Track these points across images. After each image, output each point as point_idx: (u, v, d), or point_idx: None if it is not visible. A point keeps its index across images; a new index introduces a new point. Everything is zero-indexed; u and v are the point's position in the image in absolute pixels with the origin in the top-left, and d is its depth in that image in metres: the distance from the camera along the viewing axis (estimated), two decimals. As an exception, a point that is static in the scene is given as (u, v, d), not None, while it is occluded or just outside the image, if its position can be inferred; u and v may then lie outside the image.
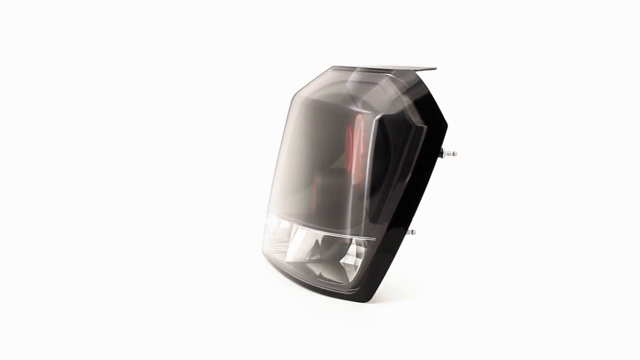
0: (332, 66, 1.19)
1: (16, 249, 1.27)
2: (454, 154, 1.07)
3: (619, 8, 1.74)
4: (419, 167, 1.02)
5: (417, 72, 1.05)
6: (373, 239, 1.04)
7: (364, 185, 1.05)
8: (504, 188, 1.67)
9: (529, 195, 1.64)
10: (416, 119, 1.02)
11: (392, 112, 1.03)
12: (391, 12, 1.79)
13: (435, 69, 1.12)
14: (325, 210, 1.10)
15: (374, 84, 1.06)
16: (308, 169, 1.13)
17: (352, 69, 1.12)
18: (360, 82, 1.09)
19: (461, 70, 1.74)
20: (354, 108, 1.07)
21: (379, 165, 1.04)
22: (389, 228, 1.03)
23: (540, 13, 1.77)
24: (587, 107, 1.77)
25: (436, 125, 1.02)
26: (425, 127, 1.02)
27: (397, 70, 1.05)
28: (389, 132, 1.03)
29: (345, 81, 1.12)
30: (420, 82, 1.04)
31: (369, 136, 1.04)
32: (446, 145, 1.06)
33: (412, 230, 1.07)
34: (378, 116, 1.04)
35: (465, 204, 1.61)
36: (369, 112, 1.05)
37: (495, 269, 1.24)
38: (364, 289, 1.05)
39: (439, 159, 1.05)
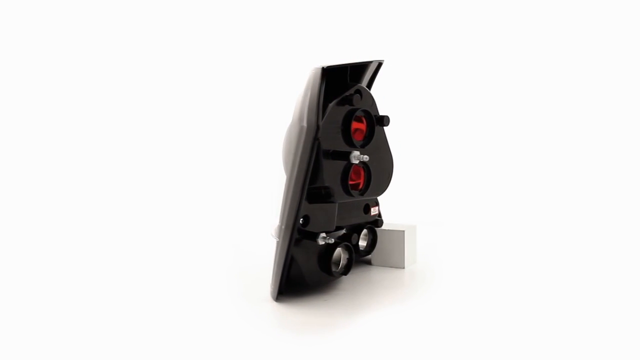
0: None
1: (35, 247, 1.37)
2: (364, 159, 1.03)
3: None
4: (299, 167, 0.98)
5: (324, 67, 1.00)
6: (277, 240, 1.03)
7: (280, 188, 1.04)
8: (456, 187, 1.67)
9: (480, 195, 1.63)
10: (307, 118, 0.99)
11: (298, 111, 1.03)
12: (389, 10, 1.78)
13: (382, 61, 1.09)
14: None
15: (309, 81, 1.04)
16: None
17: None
18: (306, 81, 1.06)
19: (459, 67, 1.74)
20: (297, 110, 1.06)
21: (287, 167, 1.04)
22: (283, 229, 1.00)
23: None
24: (548, 100, 1.77)
25: (310, 125, 0.98)
26: (305, 126, 0.99)
27: (318, 67, 1.02)
28: (293, 131, 1.03)
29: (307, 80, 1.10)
30: (320, 79, 0.99)
31: (285, 138, 1.05)
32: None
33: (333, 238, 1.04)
34: (293, 116, 1.04)
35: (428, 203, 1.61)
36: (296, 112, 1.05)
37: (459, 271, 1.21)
38: (272, 288, 1.04)
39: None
